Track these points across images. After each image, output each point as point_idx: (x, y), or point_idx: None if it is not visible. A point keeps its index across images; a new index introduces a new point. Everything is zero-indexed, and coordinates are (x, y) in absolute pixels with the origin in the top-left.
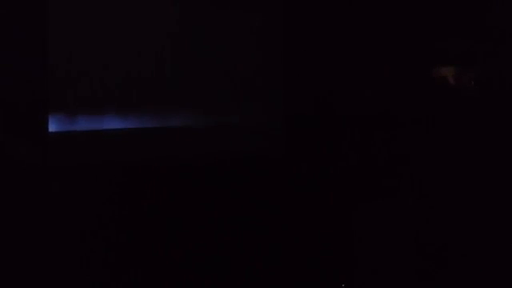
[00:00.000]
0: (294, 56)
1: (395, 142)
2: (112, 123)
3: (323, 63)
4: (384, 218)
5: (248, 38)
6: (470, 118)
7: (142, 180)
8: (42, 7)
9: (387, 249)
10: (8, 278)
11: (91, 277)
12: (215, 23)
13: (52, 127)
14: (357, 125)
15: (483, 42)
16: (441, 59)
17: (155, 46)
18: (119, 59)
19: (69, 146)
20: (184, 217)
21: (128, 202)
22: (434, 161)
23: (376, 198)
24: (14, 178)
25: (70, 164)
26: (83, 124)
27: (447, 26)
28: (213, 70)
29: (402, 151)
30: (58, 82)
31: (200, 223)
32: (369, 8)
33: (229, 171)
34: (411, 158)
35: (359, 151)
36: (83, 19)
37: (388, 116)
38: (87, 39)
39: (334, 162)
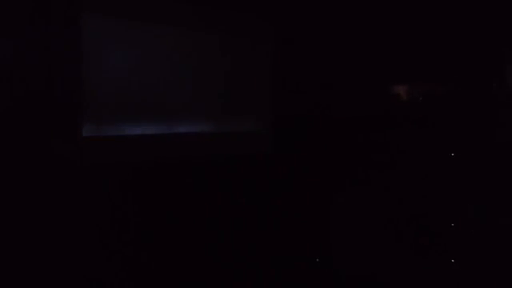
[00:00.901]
0: (280, 76)
1: (364, 141)
2: (132, 130)
3: (304, 82)
4: (358, 206)
5: (242, 62)
6: (421, 123)
7: (157, 177)
8: (77, 35)
9: (359, 230)
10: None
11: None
12: (214, 48)
13: (85, 132)
14: (333, 128)
15: (431, 66)
16: (397, 78)
17: (166, 72)
18: (136, 81)
19: (99, 148)
20: (189, 207)
21: (144, 196)
22: (397, 156)
23: (350, 188)
24: (54, 173)
25: (100, 162)
26: (110, 130)
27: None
28: (213, 86)
29: (371, 148)
30: (91, 96)
31: (199, 212)
32: (340, 37)
33: (227, 169)
34: (378, 154)
35: (335, 149)
36: (113, 50)
37: (357, 120)
38: (115, 67)
39: (314, 160)
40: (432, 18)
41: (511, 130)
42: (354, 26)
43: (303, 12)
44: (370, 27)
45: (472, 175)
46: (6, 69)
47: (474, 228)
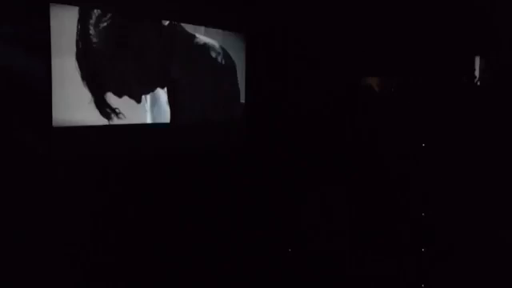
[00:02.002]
0: (251, 80)
1: (331, 136)
2: (104, 121)
3: (273, 84)
4: (329, 196)
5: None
6: (391, 116)
7: (130, 168)
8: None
9: (330, 221)
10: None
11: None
12: (187, 42)
13: (56, 123)
14: (299, 124)
15: (401, 59)
16: (368, 71)
17: (139, 63)
18: (109, 70)
19: (69, 139)
20: (170, 197)
21: (121, 189)
22: (369, 147)
23: (321, 179)
24: (24, 165)
25: (71, 154)
26: (82, 120)
27: (375, 48)
28: (195, 89)
29: (336, 144)
30: (62, 86)
31: (172, 203)
32: (309, 39)
33: (205, 159)
34: (343, 150)
35: (301, 144)
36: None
37: (325, 116)
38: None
39: (280, 153)
40: (404, 14)
41: (480, 120)
42: (328, 21)
43: (276, 9)
44: (343, 23)
45: (442, 165)
46: None
47: (445, 218)
